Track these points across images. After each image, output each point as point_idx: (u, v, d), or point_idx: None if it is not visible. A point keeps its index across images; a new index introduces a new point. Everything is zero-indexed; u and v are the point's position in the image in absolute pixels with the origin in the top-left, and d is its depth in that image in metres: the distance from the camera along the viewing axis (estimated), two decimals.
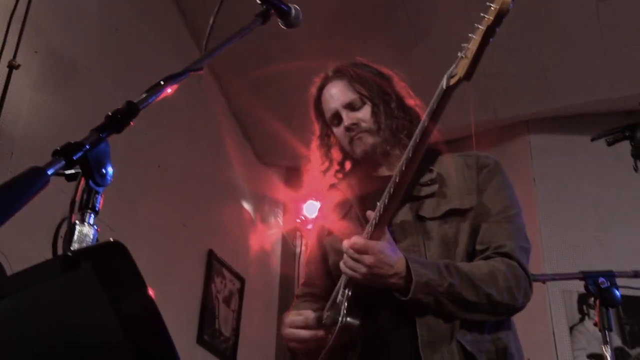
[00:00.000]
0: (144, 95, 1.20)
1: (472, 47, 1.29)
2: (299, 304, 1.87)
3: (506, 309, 1.57)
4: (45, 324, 0.67)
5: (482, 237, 1.62)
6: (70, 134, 1.08)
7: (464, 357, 1.48)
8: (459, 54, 1.33)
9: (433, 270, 1.49)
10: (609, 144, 2.29)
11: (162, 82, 1.26)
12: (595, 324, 2.35)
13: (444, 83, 1.38)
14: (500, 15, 1.25)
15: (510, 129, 4.99)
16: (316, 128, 1.91)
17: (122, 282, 0.67)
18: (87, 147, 1.01)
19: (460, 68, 1.32)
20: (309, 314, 1.66)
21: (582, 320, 4.23)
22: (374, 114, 1.75)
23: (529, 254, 1.64)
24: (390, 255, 1.48)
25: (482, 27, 1.27)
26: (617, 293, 2.34)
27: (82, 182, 1.02)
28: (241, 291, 4.61)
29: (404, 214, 1.63)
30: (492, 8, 1.25)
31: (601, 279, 2.34)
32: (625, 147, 2.35)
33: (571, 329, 4.20)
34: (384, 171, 1.79)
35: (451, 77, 1.36)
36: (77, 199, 1.01)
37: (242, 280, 4.63)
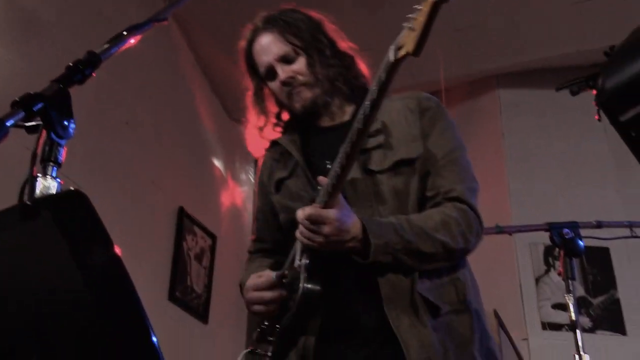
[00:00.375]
0: (106, 46, 1.17)
1: (420, 18, 1.21)
2: (254, 260, 1.86)
3: (461, 253, 1.59)
4: (4, 273, 0.66)
5: (431, 183, 1.61)
6: (31, 89, 1.05)
7: (427, 309, 1.49)
8: (405, 25, 1.25)
9: (389, 230, 1.49)
10: (573, 93, 2.30)
11: (125, 33, 1.23)
12: (560, 274, 2.41)
13: (391, 55, 1.30)
14: None
15: (479, 84, 5.00)
16: (249, 83, 1.84)
17: (83, 231, 0.66)
18: (48, 98, 0.99)
19: (409, 41, 1.24)
20: (269, 274, 1.64)
21: (547, 271, 4.34)
22: (310, 65, 1.69)
23: (477, 194, 1.64)
24: (346, 221, 1.46)
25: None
26: (581, 243, 2.39)
27: (44, 134, 1.00)
28: (213, 248, 4.61)
29: (353, 170, 1.57)
30: None
31: (565, 230, 2.39)
32: (592, 101, 2.37)
33: (537, 280, 4.31)
34: (325, 121, 1.75)
35: (398, 48, 1.27)
36: (39, 151, 0.99)
37: (213, 237, 4.63)
